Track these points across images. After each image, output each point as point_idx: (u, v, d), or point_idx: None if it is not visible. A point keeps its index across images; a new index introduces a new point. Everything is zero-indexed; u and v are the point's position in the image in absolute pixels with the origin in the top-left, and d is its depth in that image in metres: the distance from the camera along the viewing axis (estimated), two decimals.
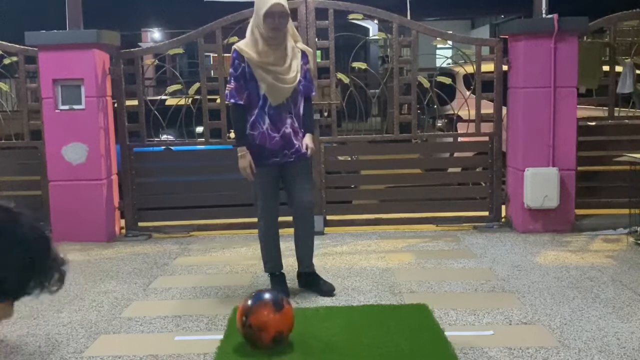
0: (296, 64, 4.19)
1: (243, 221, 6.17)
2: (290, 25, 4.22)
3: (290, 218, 4.43)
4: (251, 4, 4.31)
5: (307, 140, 4.30)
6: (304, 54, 4.27)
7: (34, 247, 1.52)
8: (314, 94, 4.50)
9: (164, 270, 5.17)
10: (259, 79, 4.13)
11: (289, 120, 4.22)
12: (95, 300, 4.49)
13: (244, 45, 4.15)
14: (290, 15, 4.17)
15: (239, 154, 4.22)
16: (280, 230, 4.45)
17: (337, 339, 3.60)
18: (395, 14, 6.15)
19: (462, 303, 4.22)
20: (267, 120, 4.18)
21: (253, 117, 4.20)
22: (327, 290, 4.40)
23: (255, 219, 4.49)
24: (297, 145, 4.25)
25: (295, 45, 4.23)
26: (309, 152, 4.28)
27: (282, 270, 4.51)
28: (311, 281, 4.46)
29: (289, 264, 4.70)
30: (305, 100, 4.35)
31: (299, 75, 4.19)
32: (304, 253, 4.45)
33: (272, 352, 3.46)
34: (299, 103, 4.28)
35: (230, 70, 4.18)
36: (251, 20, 4.20)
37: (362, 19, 6.51)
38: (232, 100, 4.18)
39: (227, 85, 4.21)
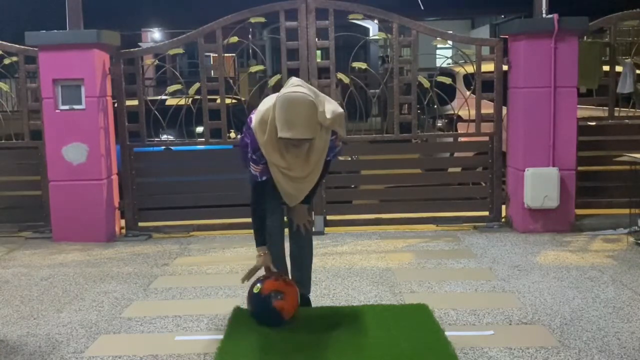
0: (319, 168, 3.75)
1: (243, 221, 6.16)
2: (317, 104, 3.47)
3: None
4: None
5: (296, 214, 3.94)
6: (332, 131, 3.67)
7: None
8: (329, 158, 3.81)
9: (164, 270, 5.17)
10: (274, 176, 3.72)
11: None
12: (96, 300, 4.49)
13: (263, 140, 3.56)
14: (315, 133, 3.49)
15: (258, 254, 3.81)
16: None
17: (337, 339, 3.60)
18: (395, 14, 6.16)
19: (462, 303, 4.22)
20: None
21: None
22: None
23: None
24: None
25: (322, 129, 3.57)
26: (301, 228, 3.97)
27: None
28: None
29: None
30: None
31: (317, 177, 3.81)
32: (302, 275, 4.10)
33: (272, 352, 3.46)
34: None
35: (253, 156, 3.65)
36: (275, 107, 3.47)
37: (362, 19, 6.51)
38: (265, 178, 3.72)
39: (253, 166, 3.69)
